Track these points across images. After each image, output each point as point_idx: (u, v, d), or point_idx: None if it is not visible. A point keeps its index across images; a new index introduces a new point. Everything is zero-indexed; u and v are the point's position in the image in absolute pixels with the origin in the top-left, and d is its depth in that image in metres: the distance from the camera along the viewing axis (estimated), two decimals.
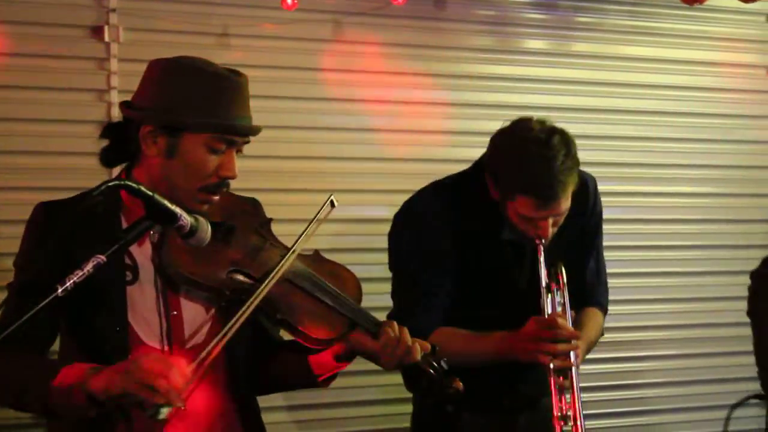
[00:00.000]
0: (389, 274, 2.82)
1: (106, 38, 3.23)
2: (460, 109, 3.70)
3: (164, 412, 1.86)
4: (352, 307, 2.20)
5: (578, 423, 2.52)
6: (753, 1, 3.69)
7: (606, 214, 2.88)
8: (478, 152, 2.84)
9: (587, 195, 2.76)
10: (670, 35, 3.96)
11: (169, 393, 1.87)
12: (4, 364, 2.06)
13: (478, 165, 2.69)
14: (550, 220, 2.58)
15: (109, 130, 2.17)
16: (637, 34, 3.91)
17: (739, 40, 4.06)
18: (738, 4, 3.67)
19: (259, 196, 2.30)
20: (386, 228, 2.88)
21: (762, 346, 2.61)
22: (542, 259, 2.62)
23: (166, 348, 2.10)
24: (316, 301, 2.17)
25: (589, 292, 2.85)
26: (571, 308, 2.68)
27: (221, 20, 3.35)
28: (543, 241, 2.59)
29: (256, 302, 2.07)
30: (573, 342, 2.53)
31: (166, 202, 1.93)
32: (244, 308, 2.03)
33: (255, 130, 2.17)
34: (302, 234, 2.13)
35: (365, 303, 2.24)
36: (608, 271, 2.93)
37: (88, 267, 1.76)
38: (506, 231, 2.66)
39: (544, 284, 2.65)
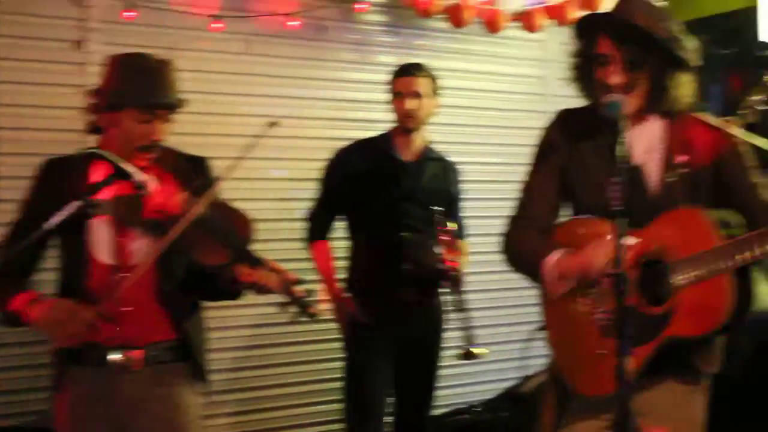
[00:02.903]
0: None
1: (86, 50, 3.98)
2: (331, 103, 4.54)
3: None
4: (239, 243, 2.59)
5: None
6: (534, 32, 4.74)
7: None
8: (345, 133, 3.90)
9: (453, 172, 3.92)
10: (476, 54, 5.00)
11: (66, 339, 2.45)
12: None
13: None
14: (408, 101, 3.66)
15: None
16: (455, 52, 4.91)
17: (521, 57, 5.18)
18: (523, 33, 4.78)
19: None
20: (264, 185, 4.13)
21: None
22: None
23: (112, 262, 2.57)
24: (210, 238, 2.55)
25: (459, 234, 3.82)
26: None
27: (172, 39, 4.08)
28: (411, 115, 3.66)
29: (165, 244, 2.48)
30: None
31: (123, 164, 2.49)
32: (156, 248, 2.50)
33: (167, 105, 2.60)
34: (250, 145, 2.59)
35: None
36: None
37: (70, 208, 2.32)
38: (393, 149, 3.77)
39: None
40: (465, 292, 3.57)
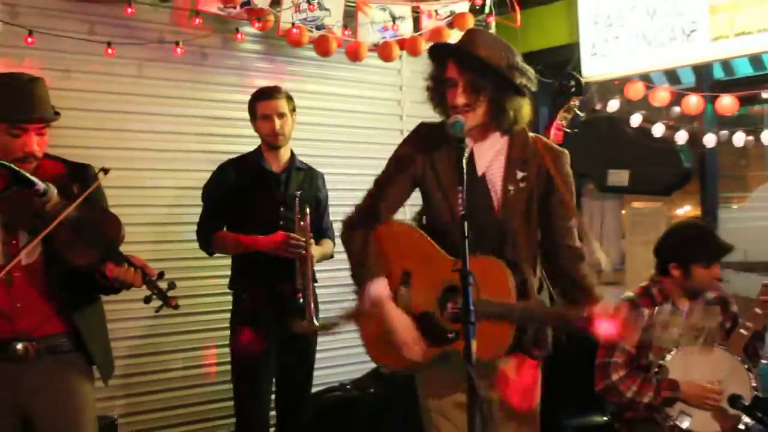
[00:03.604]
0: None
1: None
2: (213, 121, 4.85)
3: None
4: (106, 243, 2.71)
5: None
6: (390, 61, 5.14)
7: None
8: (225, 147, 4.36)
9: (319, 179, 4.29)
10: (340, 79, 5.39)
11: None
12: None
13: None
14: (277, 121, 3.99)
15: None
16: (322, 77, 5.29)
17: (380, 83, 5.60)
18: (381, 62, 5.15)
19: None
20: (154, 192, 4.45)
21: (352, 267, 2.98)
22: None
23: (2, 262, 2.68)
24: (78, 238, 2.68)
25: (324, 233, 4.27)
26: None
27: (69, 62, 4.34)
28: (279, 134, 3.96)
29: (36, 240, 2.63)
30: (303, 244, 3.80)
31: (26, 173, 2.59)
32: (28, 243, 2.65)
33: (37, 120, 2.72)
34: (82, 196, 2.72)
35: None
36: None
37: None
38: (264, 162, 4.10)
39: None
40: (310, 270, 3.91)
